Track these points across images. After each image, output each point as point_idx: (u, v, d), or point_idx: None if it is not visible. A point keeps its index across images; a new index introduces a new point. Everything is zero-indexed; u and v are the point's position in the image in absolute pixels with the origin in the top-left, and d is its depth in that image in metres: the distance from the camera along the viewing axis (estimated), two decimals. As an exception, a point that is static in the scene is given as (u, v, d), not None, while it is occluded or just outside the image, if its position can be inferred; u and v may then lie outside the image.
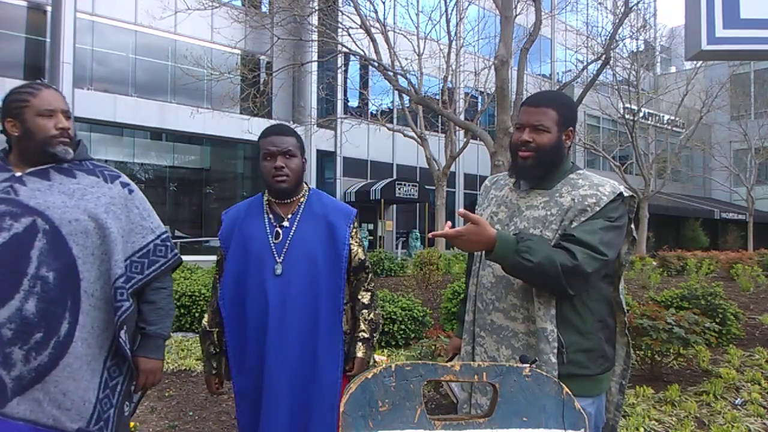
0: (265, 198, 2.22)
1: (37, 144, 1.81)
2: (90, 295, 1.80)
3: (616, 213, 1.79)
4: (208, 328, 2.22)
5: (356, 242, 2.20)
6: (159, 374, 2.00)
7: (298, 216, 2.16)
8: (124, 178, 1.98)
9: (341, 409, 1.38)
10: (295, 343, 2.06)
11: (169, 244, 2.01)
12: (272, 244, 2.11)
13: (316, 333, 2.07)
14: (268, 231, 2.14)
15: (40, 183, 1.81)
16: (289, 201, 2.18)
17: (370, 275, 2.25)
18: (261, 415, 2.04)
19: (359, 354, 2.14)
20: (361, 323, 2.18)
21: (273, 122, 19.44)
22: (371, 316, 2.21)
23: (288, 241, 2.11)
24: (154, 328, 1.96)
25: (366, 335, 2.17)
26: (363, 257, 2.22)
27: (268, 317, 2.05)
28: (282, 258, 2.09)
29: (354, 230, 2.20)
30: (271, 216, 2.17)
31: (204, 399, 4.33)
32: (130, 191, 1.96)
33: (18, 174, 1.81)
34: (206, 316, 2.25)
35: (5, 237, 1.71)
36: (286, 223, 2.14)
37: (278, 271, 2.08)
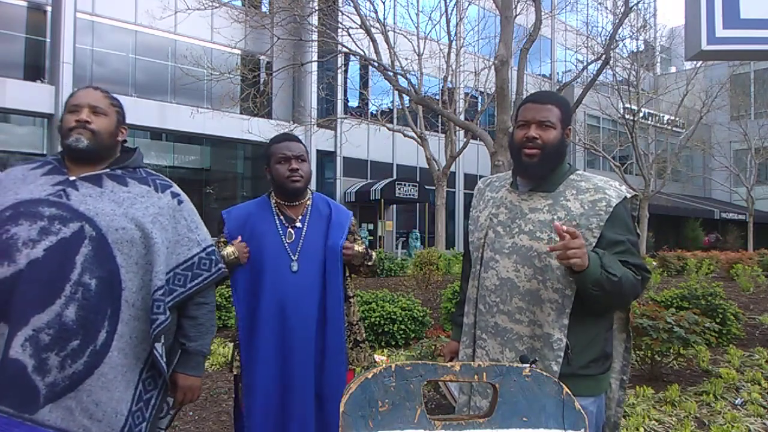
0: (273, 200, 2.40)
1: (62, 139, 1.82)
2: (131, 305, 1.76)
3: (630, 220, 1.83)
4: None
5: (351, 240, 2.43)
6: (197, 391, 1.97)
7: (308, 217, 2.37)
8: (175, 188, 1.96)
9: (341, 409, 1.38)
10: (311, 336, 2.25)
11: (214, 257, 1.96)
12: (286, 244, 2.31)
13: (324, 324, 2.27)
14: (281, 231, 2.33)
15: (92, 189, 1.79)
16: (297, 203, 2.39)
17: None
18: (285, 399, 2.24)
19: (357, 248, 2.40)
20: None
21: (273, 122, 19.35)
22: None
23: (301, 241, 2.32)
24: (195, 345, 1.92)
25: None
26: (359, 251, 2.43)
27: (288, 311, 2.23)
28: (297, 256, 2.30)
29: (352, 228, 2.47)
30: (282, 217, 2.36)
31: (204, 399, 4.33)
32: (180, 202, 1.93)
33: (72, 178, 1.80)
34: None
35: (52, 241, 1.68)
36: (298, 224, 2.36)
37: (294, 268, 2.28)
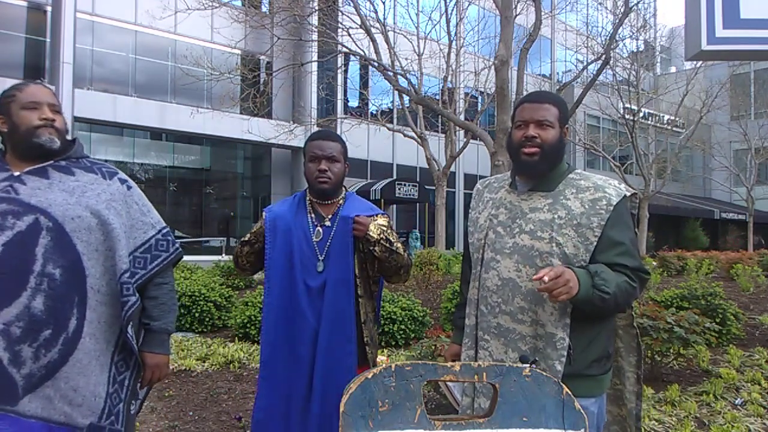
0: (308, 197, 2.37)
1: (22, 136, 1.82)
2: (96, 290, 1.80)
3: (629, 218, 1.84)
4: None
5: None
6: (165, 369, 2.01)
7: (338, 217, 2.31)
8: (122, 175, 2.00)
9: (341, 409, 1.38)
10: (324, 342, 2.19)
11: (170, 238, 2.02)
12: (314, 243, 2.28)
13: (339, 333, 2.20)
14: (311, 229, 2.30)
15: (39, 181, 1.81)
16: (329, 202, 2.35)
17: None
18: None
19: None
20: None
21: (273, 122, 19.28)
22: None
23: (329, 241, 2.27)
24: (158, 324, 1.96)
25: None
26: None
27: (308, 313, 2.20)
28: (323, 256, 2.25)
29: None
30: (313, 215, 2.33)
31: (204, 399, 4.33)
32: (129, 187, 1.97)
33: (17, 173, 1.82)
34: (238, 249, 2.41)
35: (9, 235, 1.71)
36: (327, 223, 2.31)
37: (320, 268, 2.24)
